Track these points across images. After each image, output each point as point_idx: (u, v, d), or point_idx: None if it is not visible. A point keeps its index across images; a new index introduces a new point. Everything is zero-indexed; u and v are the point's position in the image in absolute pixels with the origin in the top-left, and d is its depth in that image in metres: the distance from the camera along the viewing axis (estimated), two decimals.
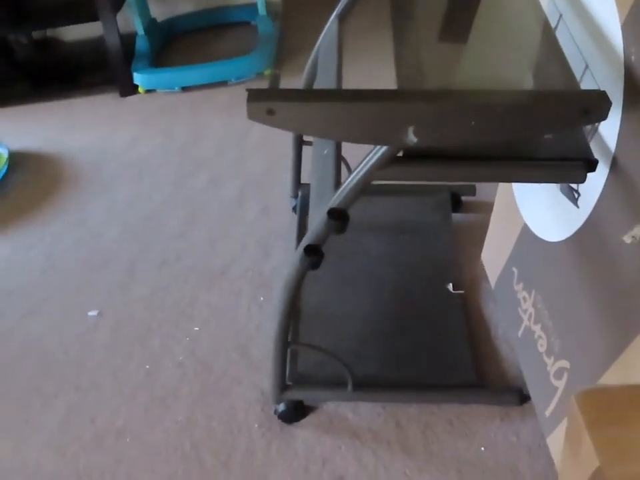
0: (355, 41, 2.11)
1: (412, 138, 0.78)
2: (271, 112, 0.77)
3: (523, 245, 1.16)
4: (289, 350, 1.10)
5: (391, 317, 1.29)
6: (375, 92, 0.77)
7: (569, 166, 0.84)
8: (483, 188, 1.56)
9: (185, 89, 2.12)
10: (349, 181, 0.87)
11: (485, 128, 0.76)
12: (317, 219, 0.91)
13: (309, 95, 0.83)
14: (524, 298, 1.14)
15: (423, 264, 1.39)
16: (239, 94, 2.05)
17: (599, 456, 0.56)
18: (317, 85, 1.24)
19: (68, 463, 1.15)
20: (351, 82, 1.03)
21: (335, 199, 0.89)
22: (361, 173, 0.86)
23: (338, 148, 1.00)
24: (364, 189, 0.87)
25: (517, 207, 1.18)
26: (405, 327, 1.27)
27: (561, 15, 0.96)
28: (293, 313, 1.04)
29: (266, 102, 0.77)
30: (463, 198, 1.54)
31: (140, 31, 2.24)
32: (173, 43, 2.39)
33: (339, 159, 0.98)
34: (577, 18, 0.92)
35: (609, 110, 0.73)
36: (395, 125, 0.77)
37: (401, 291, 1.34)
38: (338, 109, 0.77)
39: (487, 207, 1.40)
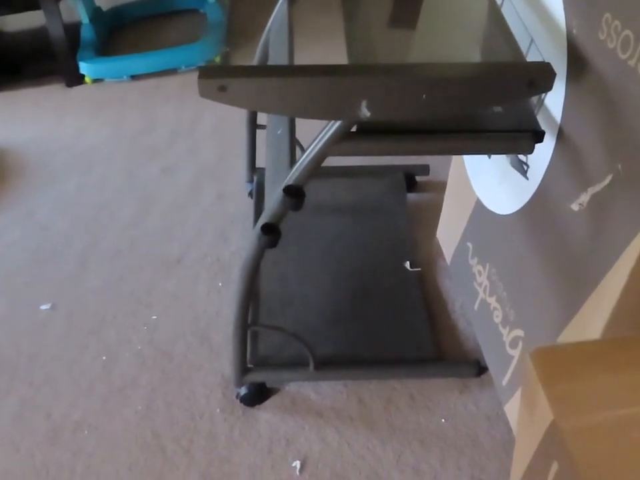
0: (305, 23, 2.11)
1: (365, 112, 0.78)
2: (222, 88, 0.76)
3: (476, 219, 1.18)
4: (249, 332, 1.10)
5: (350, 296, 1.30)
6: (328, 67, 0.77)
7: (517, 137, 0.86)
8: (436, 168, 1.59)
9: (134, 77, 2.08)
10: (304, 157, 0.87)
11: (436, 101, 0.77)
12: (274, 197, 0.91)
13: (260, 70, 0.82)
14: (479, 271, 1.16)
15: (380, 243, 1.40)
16: (190, 81, 2.02)
17: (553, 410, 0.58)
18: None
19: (23, 459, 1.11)
20: (303, 63, 1.03)
21: (291, 176, 0.89)
22: (316, 149, 0.86)
23: (292, 126, 0.99)
24: (319, 164, 0.87)
25: (470, 183, 1.20)
26: (365, 306, 1.28)
27: None
28: (252, 293, 1.04)
29: (217, 79, 0.76)
30: (418, 178, 1.56)
31: (85, 19, 2.19)
32: (120, 32, 2.33)
33: (294, 137, 0.98)
34: None
35: (553, 80, 0.75)
36: (348, 99, 0.77)
37: (360, 270, 1.35)
38: (290, 84, 0.77)
39: (441, 186, 1.43)
